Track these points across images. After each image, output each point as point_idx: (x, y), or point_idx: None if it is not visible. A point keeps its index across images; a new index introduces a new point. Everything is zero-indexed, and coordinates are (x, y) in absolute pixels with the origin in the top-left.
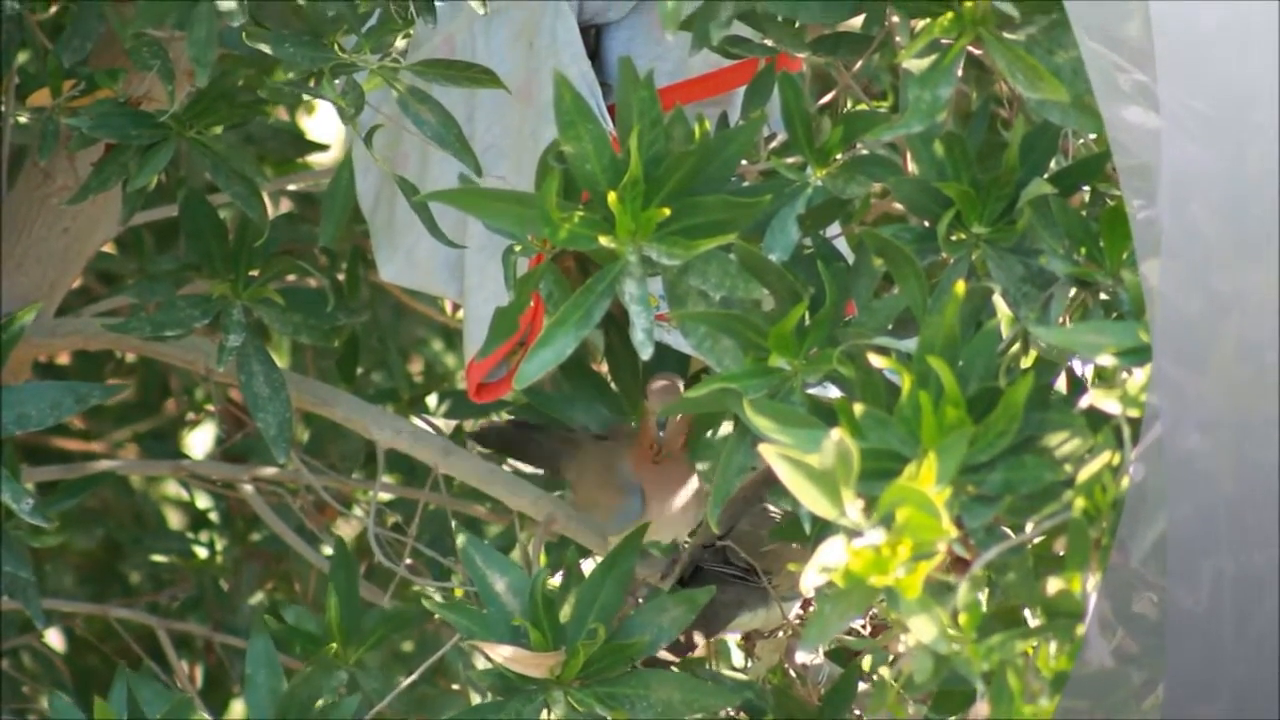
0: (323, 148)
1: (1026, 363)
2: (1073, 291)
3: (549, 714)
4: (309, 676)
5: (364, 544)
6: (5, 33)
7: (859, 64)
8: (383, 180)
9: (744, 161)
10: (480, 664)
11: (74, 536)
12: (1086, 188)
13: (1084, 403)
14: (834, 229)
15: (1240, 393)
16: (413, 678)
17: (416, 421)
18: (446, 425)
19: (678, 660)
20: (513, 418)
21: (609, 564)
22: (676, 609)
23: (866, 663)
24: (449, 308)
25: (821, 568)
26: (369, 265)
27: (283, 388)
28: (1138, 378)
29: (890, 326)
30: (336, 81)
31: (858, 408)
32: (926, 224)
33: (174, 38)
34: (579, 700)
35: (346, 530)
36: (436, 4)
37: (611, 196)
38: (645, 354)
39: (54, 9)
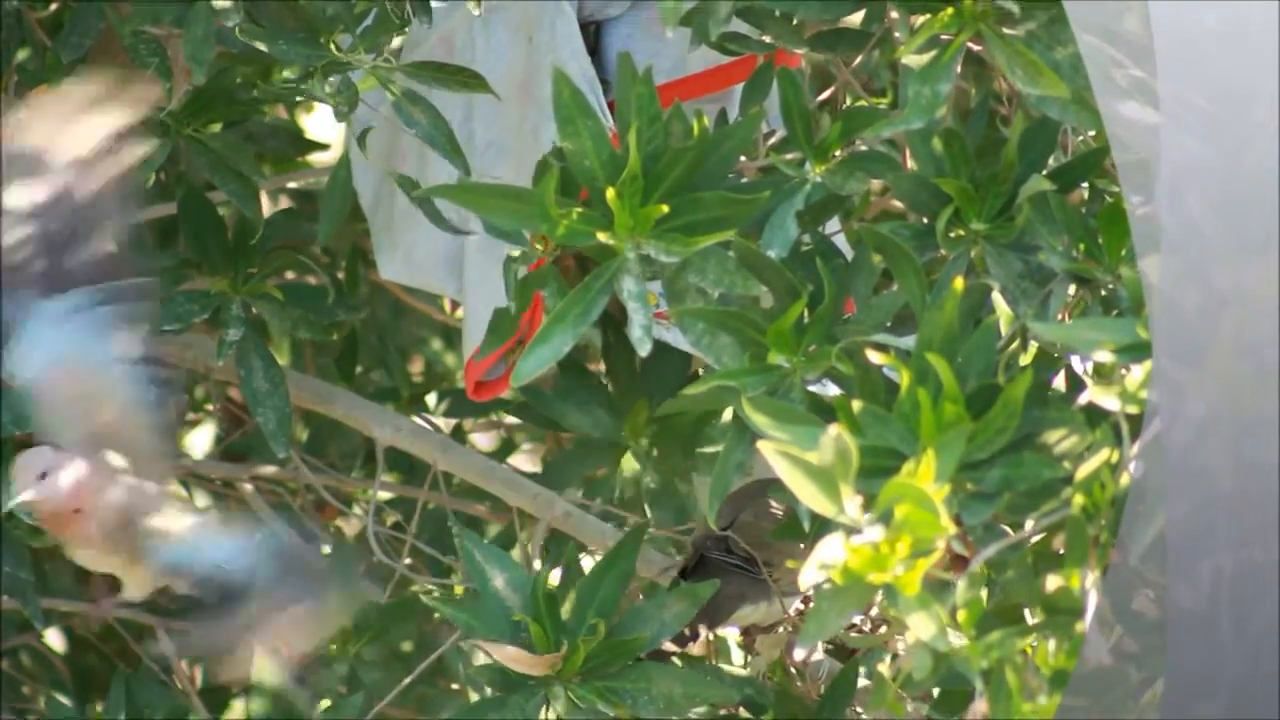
0: (322, 146)
1: (1025, 359)
2: (1072, 288)
3: (549, 710)
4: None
5: (364, 542)
6: (4, 30)
7: (858, 60)
8: (382, 178)
9: (743, 158)
10: (480, 662)
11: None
12: (1085, 184)
13: (1083, 399)
14: (833, 225)
15: (1239, 390)
16: (414, 675)
17: (416, 419)
18: (446, 424)
19: (679, 652)
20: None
21: (609, 560)
22: (678, 604)
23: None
24: (448, 306)
25: (820, 564)
26: (368, 263)
27: (282, 383)
28: (1136, 374)
29: (889, 323)
30: (331, 80)
31: (856, 404)
32: (925, 221)
33: (172, 35)
34: (580, 696)
35: (346, 529)
36: (434, 3)
37: (610, 193)
38: (643, 351)
39: (53, 7)
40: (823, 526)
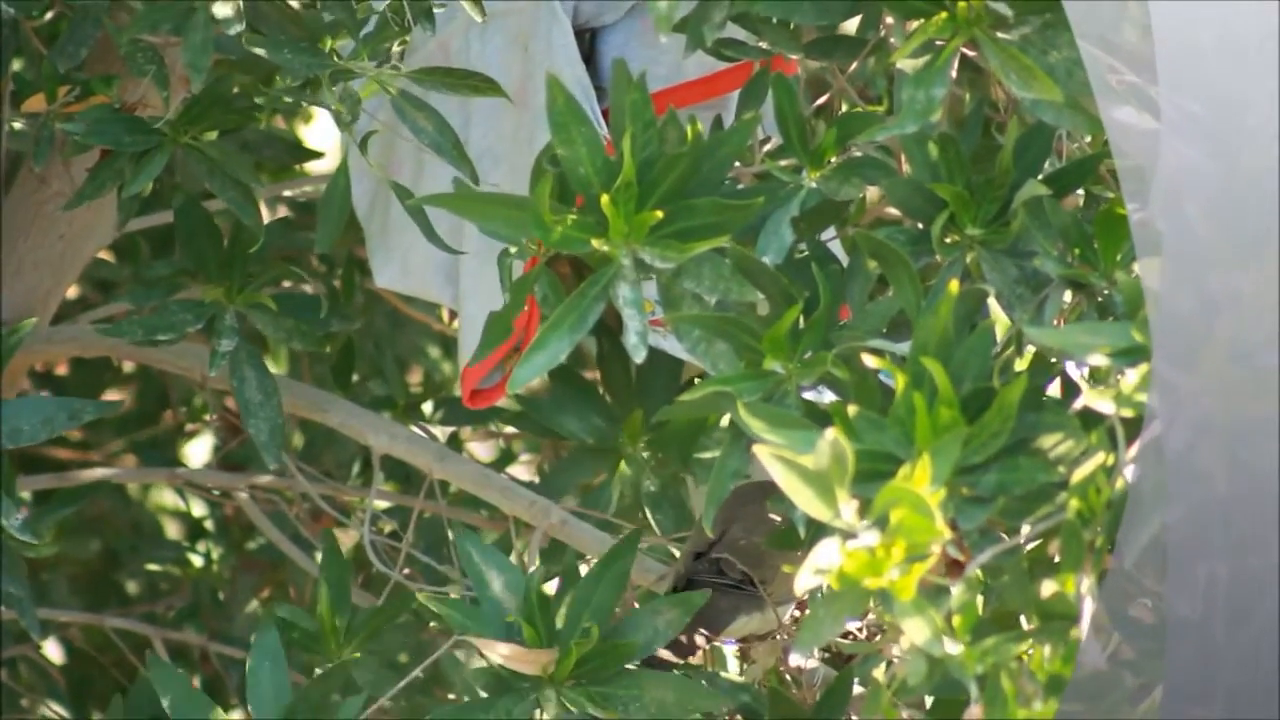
0: (319, 155)
1: (1021, 365)
2: (1067, 294)
3: (541, 714)
4: (321, 680)
5: (360, 551)
6: (1, 38)
7: (853, 67)
8: (378, 186)
9: (738, 164)
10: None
11: (70, 546)
12: (1080, 189)
13: (1078, 404)
14: (829, 232)
15: (1234, 394)
16: (410, 676)
17: (412, 428)
18: (442, 432)
19: (679, 663)
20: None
21: (605, 564)
22: (671, 611)
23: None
24: (445, 315)
25: (815, 570)
26: (364, 272)
27: (275, 393)
28: (1132, 379)
29: (884, 329)
30: (334, 89)
31: (852, 409)
32: (920, 226)
33: (169, 43)
34: (571, 700)
35: (343, 538)
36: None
37: (605, 199)
38: (639, 358)
39: (49, 15)
40: (818, 532)
